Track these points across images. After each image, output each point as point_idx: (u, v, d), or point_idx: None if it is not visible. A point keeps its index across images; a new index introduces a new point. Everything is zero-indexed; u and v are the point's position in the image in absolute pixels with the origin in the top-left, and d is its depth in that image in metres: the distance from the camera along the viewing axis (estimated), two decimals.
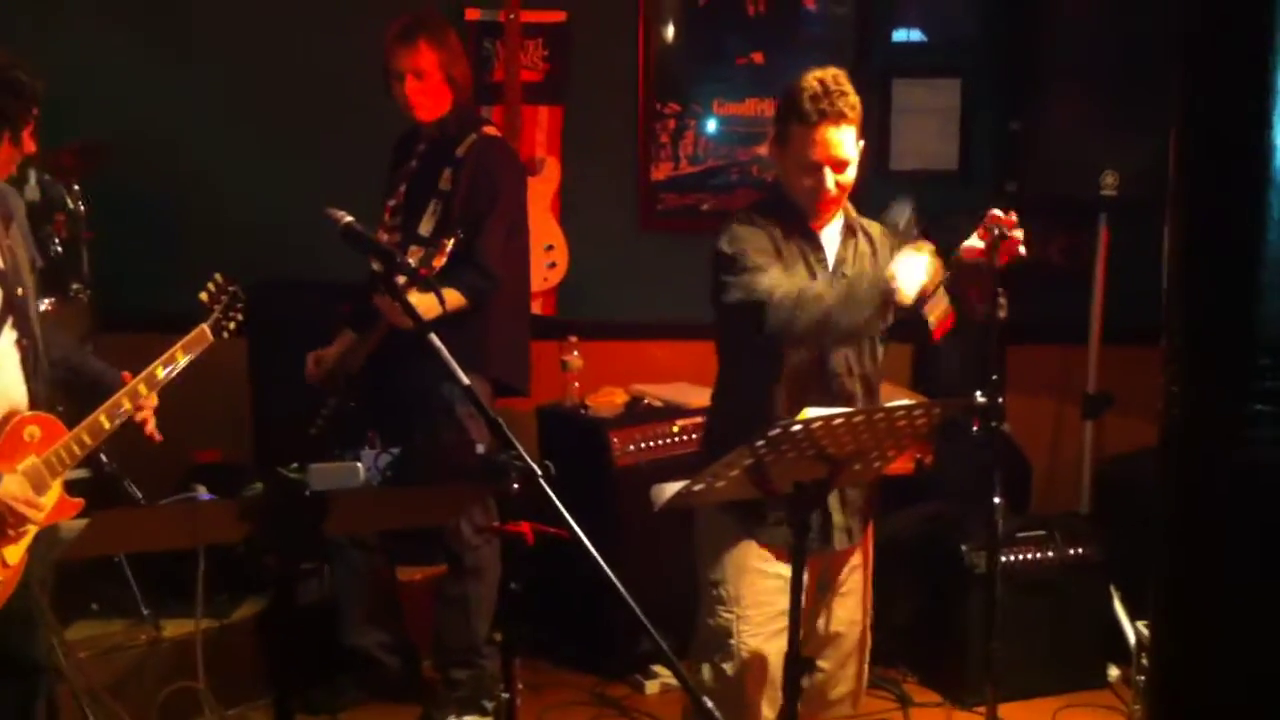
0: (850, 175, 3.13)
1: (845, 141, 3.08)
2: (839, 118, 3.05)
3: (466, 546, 4.02)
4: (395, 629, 4.30)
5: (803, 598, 2.84)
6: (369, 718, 4.15)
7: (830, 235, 3.21)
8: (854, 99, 3.08)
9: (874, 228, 3.29)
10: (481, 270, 3.94)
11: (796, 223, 3.17)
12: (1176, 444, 2.96)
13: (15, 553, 2.76)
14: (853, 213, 3.26)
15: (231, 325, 3.21)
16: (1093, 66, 5.07)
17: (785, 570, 2.91)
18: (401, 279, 2.96)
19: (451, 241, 3.74)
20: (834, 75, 3.08)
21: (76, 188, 4.54)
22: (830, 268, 3.17)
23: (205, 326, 3.15)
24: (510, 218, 4.10)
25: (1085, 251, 5.06)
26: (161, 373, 3.06)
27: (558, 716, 4.13)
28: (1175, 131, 2.94)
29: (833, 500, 3.13)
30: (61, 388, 3.06)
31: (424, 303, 3.76)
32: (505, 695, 2.45)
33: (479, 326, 3.90)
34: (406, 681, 4.30)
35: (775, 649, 3.10)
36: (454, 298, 3.82)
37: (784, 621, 2.93)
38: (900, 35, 5.39)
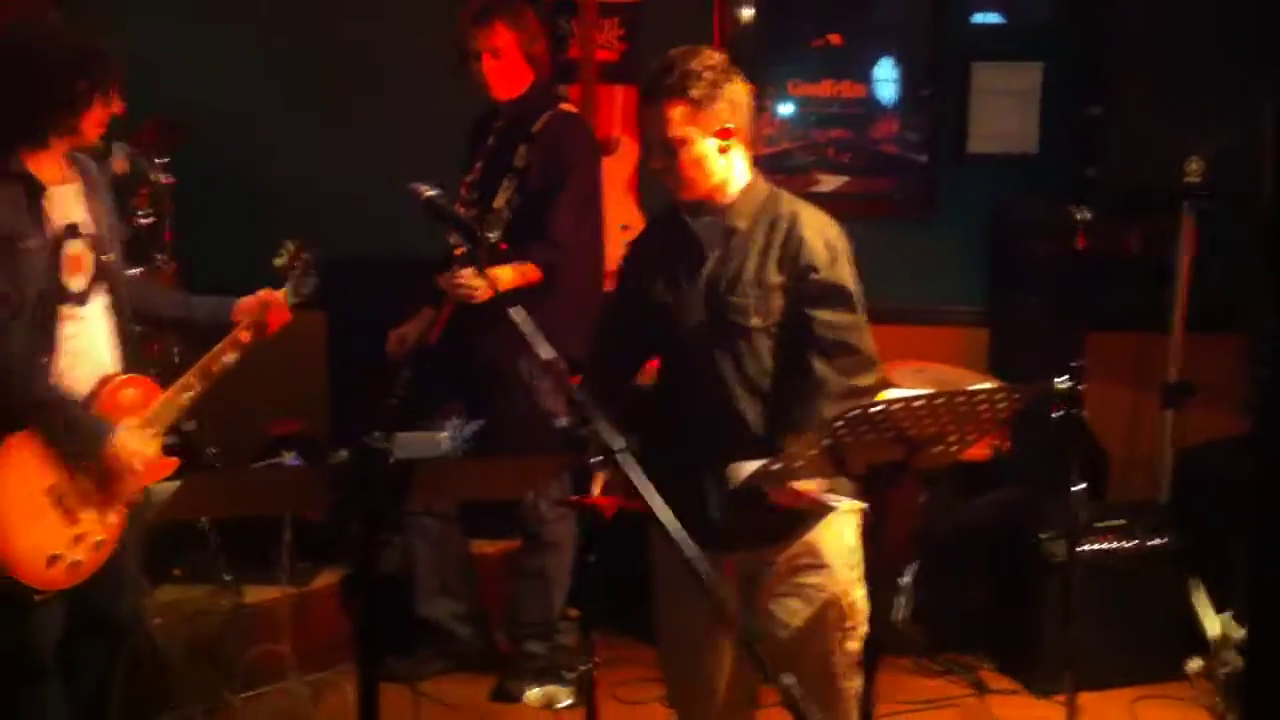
0: (691, 157, 2.91)
1: (664, 121, 2.90)
2: (653, 94, 2.92)
3: (542, 520, 4.06)
4: (469, 600, 4.35)
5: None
6: (448, 687, 4.18)
7: (708, 227, 3.00)
8: (691, 78, 2.88)
9: (794, 219, 2.96)
10: (553, 243, 3.95)
11: (675, 213, 3.05)
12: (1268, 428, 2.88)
13: (117, 513, 2.84)
14: (745, 205, 2.98)
15: (305, 291, 3.26)
16: (1176, 51, 4.99)
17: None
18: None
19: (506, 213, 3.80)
20: (682, 52, 2.93)
21: (160, 162, 4.60)
22: (706, 261, 2.98)
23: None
24: (584, 193, 4.11)
25: (1164, 239, 4.98)
26: (246, 336, 3.18)
27: (632, 691, 4.14)
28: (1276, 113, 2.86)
29: (712, 499, 2.91)
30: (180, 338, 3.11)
31: (498, 273, 3.82)
32: (586, 666, 2.46)
33: (552, 302, 3.90)
34: (481, 651, 4.34)
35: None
36: (528, 271, 3.84)
37: None
38: (979, 18, 5.33)
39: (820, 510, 2.93)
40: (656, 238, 3.15)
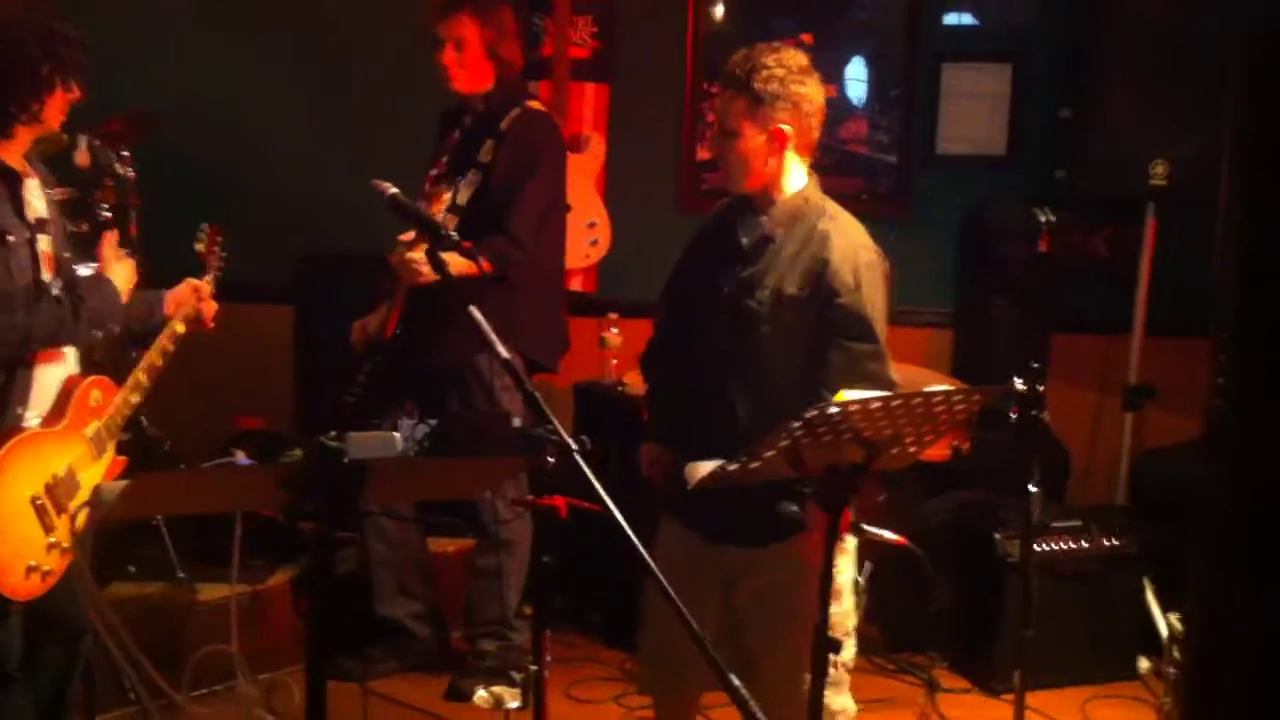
0: (740, 150, 2.94)
1: (725, 110, 2.96)
2: (723, 80, 2.98)
3: (499, 519, 4.05)
4: (427, 599, 4.34)
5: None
6: (399, 687, 4.17)
7: (750, 229, 3.02)
8: (758, 74, 2.90)
9: (825, 238, 2.96)
10: (511, 238, 3.94)
11: (730, 207, 3.10)
12: (1221, 435, 2.91)
13: (80, 520, 2.81)
14: (785, 212, 3.00)
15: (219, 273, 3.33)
16: (1146, 56, 5.02)
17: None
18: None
19: (449, 194, 3.78)
20: (765, 46, 2.97)
21: (125, 154, 4.57)
22: (739, 263, 3.00)
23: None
24: (547, 192, 4.11)
25: (1130, 242, 5.01)
26: (181, 328, 3.19)
27: (586, 691, 4.15)
28: (1230, 119, 2.89)
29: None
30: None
31: (449, 257, 3.81)
32: (534, 667, 2.47)
33: (510, 301, 3.88)
34: (436, 652, 4.34)
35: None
36: (481, 262, 3.83)
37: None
38: (951, 19, 5.35)
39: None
40: (712, 227, 3.16)
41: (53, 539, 2.81)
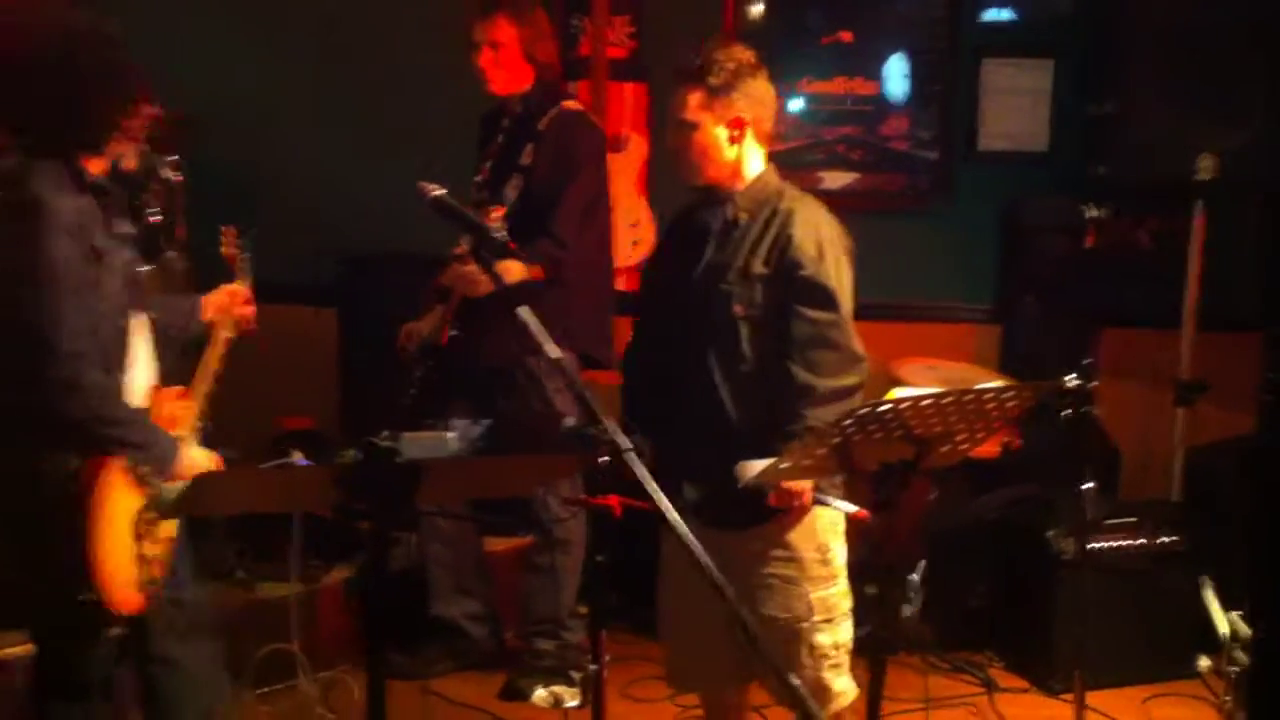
0: (700, 142, 3.01)
1: (682, 103, 3.02)
2: (677, 76, 3.04)
3: (553, 518, 4.07)
4: (483, 599, 4.35)
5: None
6: (456, 685, 4.18)
7: (714, 216, 3.09)
8: (712, 67, 2.98)
9: (788, 216, 3.03)
10: (555, 239, 3.95)
11: (692, 203, 3.16)
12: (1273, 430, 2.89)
13: (171, 525, 2.83)
14: (749, 198, 3.07)
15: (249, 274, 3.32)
16: (1188, 48, 4.97)
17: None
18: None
19: (500, 211, 3.80)
20: (715, 42, 3.07)
21: (173, 158, 4.60)
22: (706, 250, 3.07)
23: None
24: (589, 191, 4.12)
25: (1176, 236, 4.96)
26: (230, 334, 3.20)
27: (642, 690, 4.14)
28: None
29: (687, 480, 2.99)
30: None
31: (507, 269, 3.82)
32: (593, 667, 2.46)
33: (560, 300, 3.91)
34: (492, 651, 4.35)
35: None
36: (531, 268, 3.84)
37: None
38: (991, 14, 5.32)
39: (803, 509, 2.97)
40: (677, 226, 3.25)
41: (152, 553, 2.80)
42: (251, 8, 5.43)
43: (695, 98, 3.01)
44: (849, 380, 2.99)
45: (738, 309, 3.00)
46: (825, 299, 2.97)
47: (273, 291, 5.33)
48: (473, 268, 3.88)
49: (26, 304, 2.61)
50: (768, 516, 3.02)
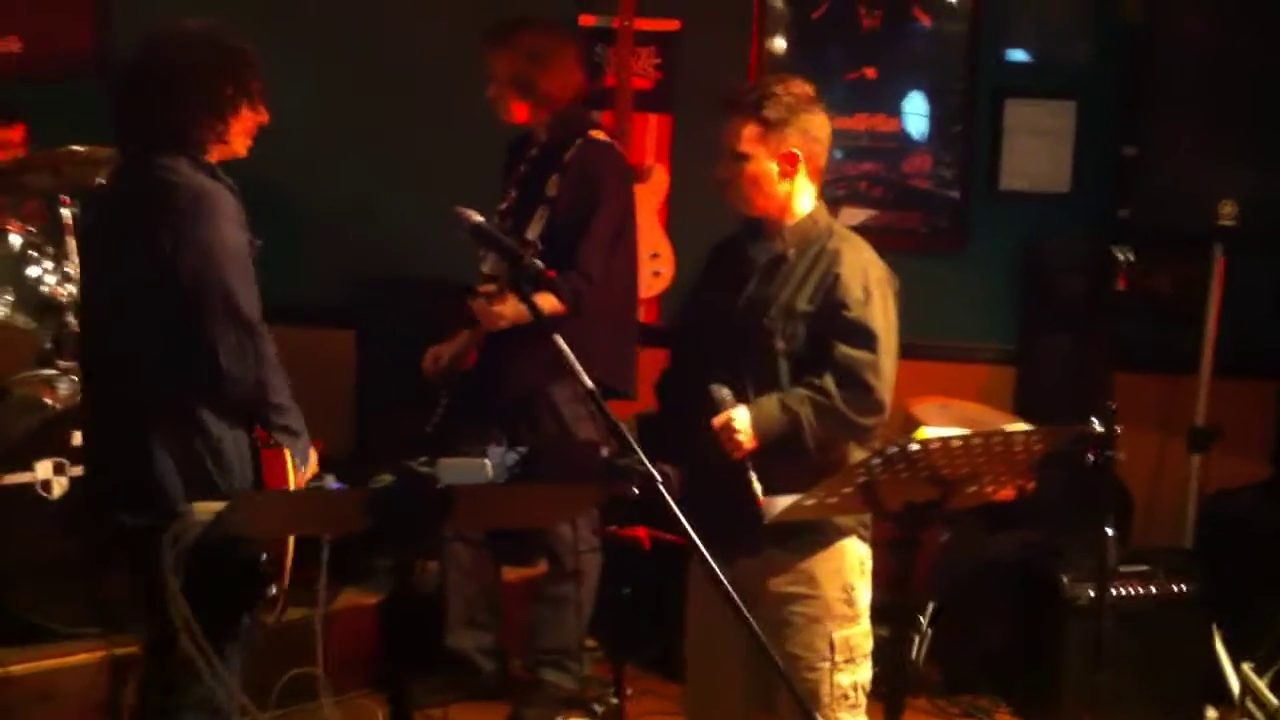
0: (751, 174, 3.00)
1: (735, 135, 3.01)
2: (732, 107, 3.03)
3: (568, 549, 4.05)
4: (494, 632, 4.33)
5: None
6: (465, 714, 4.16)
7: (761, 251, 3.08)
8: (768, 100, 2.98)
9: (836, 256, 3.02)
10: (582, 274, 3.95)
11: (740, 233, 3.15)
12: None
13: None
14: (797, 234, 3.06)
15: None
16: (1212, 94, 5.01)
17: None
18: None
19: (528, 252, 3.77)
20: (773, 76, 3.18)
21: None
22: (749, 283, 3.06)
23: None
24: (614, 223, 4.11)
25: (1195, 281, 4.98)
26: None
27: None
28: None
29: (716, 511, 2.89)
30: None
31: (521, 306, 3.82)
32: (615, 700, 2.46)
33: (582, 329, 3.89)
34: (497, 684, 4.32)
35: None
36: (551, 302, 3.83)
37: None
38: (1014, 54, 5.34)
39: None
40: (722, 256, 3.22)
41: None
42: (278, 29, 5.42)
43: (749, 130, 2.99)
44: (864, 421, 2.96)
45: (779, 344, 2.98)
46: (866, 339, 2.95)
47: (290, 312, 5.37)
48: (495, 305, 3.90)
49: (213, 277, 2.71)
50: (797, 553, 3.00)
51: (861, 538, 3.05)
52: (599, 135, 4.20)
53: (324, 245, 5.32)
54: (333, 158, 5.34)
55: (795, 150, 2.99)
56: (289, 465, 2.77)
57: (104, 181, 3.17)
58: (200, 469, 2.68)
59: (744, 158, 3.00)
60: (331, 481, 2.54)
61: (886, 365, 2.96)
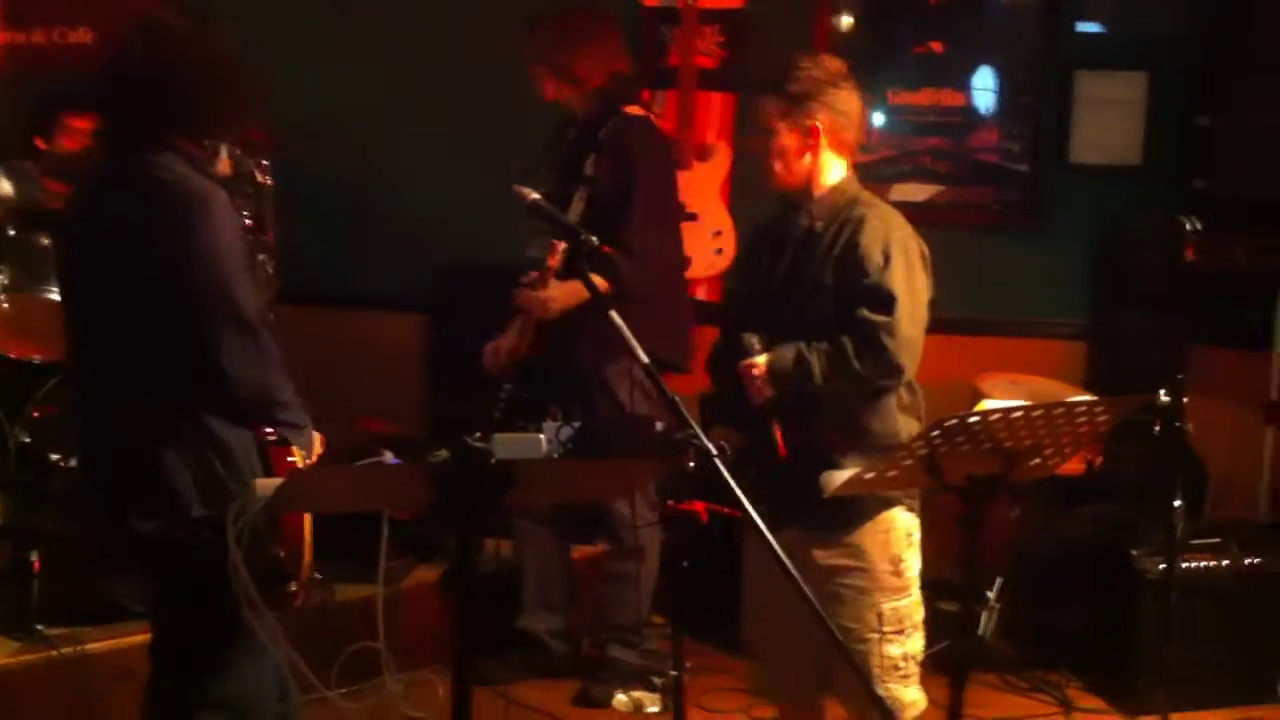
0: (775, 149, 3.05)
1: (761, 110, 3.08)
2: (759, 83, 3.10)
3: (626, 525, 4.07)
4: (566, 614, 4.36)
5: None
6: (533, 691, 4.20)
7: (793, 226, 3.10)
8: (792, 76, 3.02)
9: (859, 224, 3.02)
10: (625, 252, 3.95)
11: (785, 207, 3.16)
12: None
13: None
14: (824, 207, 3.07)
15: None
16: None
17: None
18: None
19: (563, 246, 3.79)
20: (801, 53, 3.12)
21: (265, 163, 4.67)
22: (783, 259, 3.09)
23: None
24: (653, 196, 4.11)
25: (1271, 254, 4.89)
26: None
27: (715, 700, 4.13)
28: None
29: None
30: None
31: (572, 286, 3.84)
32: (675, 673, 2.47)
33: (631, 307, 3.87)
34: (569, 664, 4.36)
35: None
36: (600, 281, 3.83)
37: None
38: (1084, 26, 5.26)
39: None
40: (761, 234, 3.26)
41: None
42: (350, 17, 5.50)
43: (773, 105, 3.05)
44: (875, 380, 2.96)
45: (810, 318, 3.01)
46: (884, 303, 2.95)
47: (365, 298, 5.46)
48: (543, 292, 3.94)
49: (211, 281, 2.65)
50: (846, 525, 3.01)
51: (908, 508, 3.07)
52: (634, 110, 4.18)
53: (400, 233, 5.38)
54: (406, 145, 5.39)
55: (816, 123, 3.03)
56: (297, 459, 2.76)
57: (86, 176, 3.04)
58: (210, 473, 2.66)
59: (768, 132, 3.06)
60: (389, 457, 2.56)
61: (906, 329, 2.95)
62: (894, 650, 3.02)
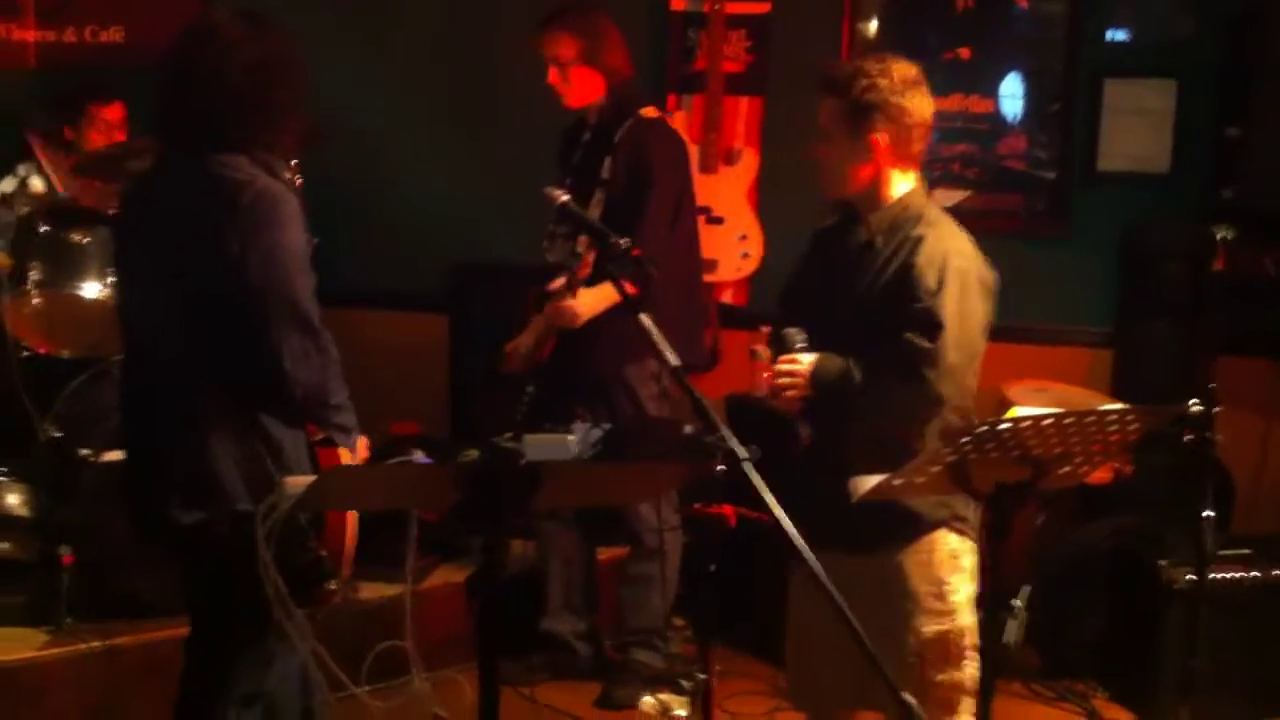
0: (831, 154, 2.94)
1: (821, 112, 2.95)
2: (821, 84, 2.95)
3: (649, 528, 4.07)
4: (590, 617, 4.38)
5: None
6: (556, 693, 4.21)
7: (854, 236, 3.00)
8: (856, 80, 2.87)
9: (917, 243, 2.90)
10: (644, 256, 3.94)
11: (845, 216, 3.06)
12: None
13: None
14: (883, 220, 2.95)
15: None
16: None
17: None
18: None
19: (594, 255, 3.77)
20: (874, 56, 2.99)
21: (293, 163, 4.67)
22: (841, 271, 2.99)
23: None
24: (670, 198, 4.10)
25: None
26: None
27: (740, 705, 4.14)
28: None
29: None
30: None
31: (599, 294, 3.84)
32: (702, 676, 2.47)
33: (648, 306, 3.88)
34: (593, 667, 4.37)
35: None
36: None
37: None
38: (1113, 34, 5.24)
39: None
40: (820, 242, 3.16)
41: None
42: (368, 17, 5.51)
43: (833, 110, 2.92)
44: (913, 410, 2.87)
45: (859, 334, 2.90)
46: (931, 330, 2.83)
47: (384, 298, 5.47)
48: (568, 302, 3.93)
49: (278, 282, 2.67)
50: (888, 547, 2.93)
51: (956, 530, 2.95)
52: (649, 113, 4.17)
53: (419, 233, 5.39)
54: (425, 144, 5.41)
55: (881, 132, 2.89)
56: (344, 461, 2.78)
57: (145, 173, 3.05)
58: (261, 469, 2.68)
59: (827, 138, 2.93)
60: (419, 457, 2.57)
61: (951, 358, 2.83)
62: (938, 677, 2.91)
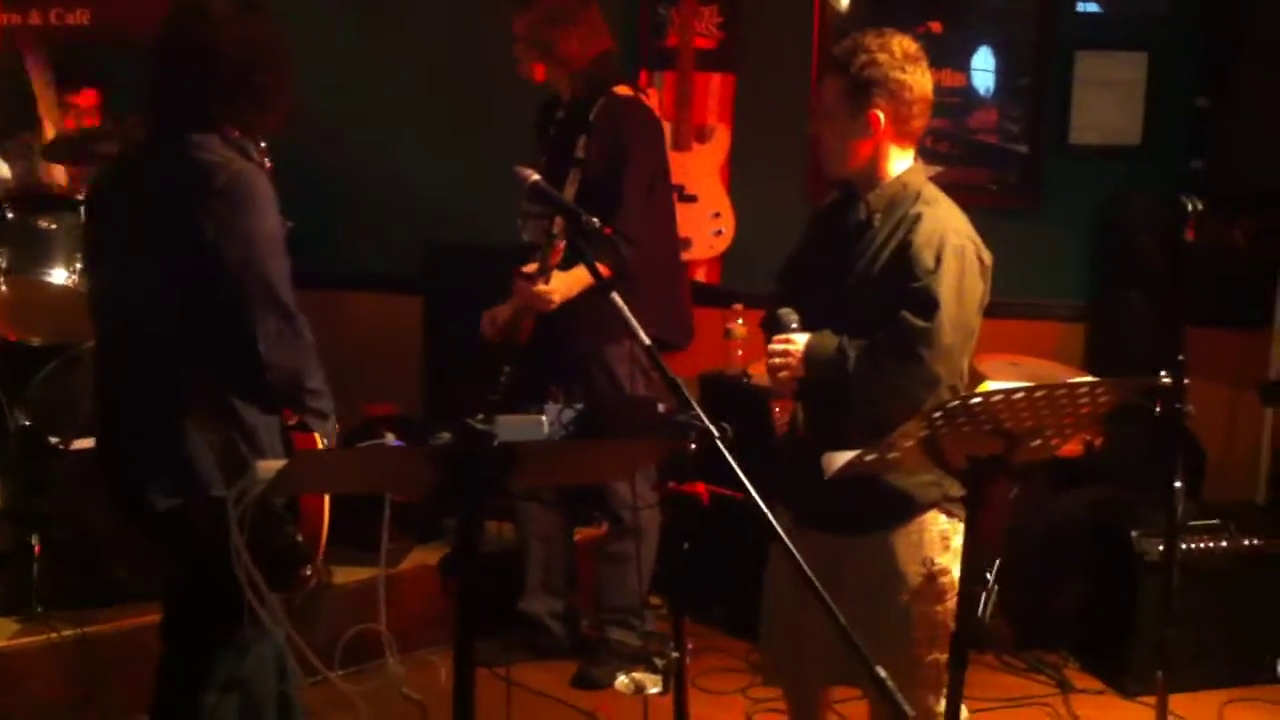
0: (832, 133, 2.92)
1: (822, 91, 2.94)
2: (824, 62, 2.97)
3: (626, 506, 4.08)
4: (568, 597, 4.38)
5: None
6: (532, 673, 4.21)
7: (853, 215, 2.97)
8: (857, 56, 2.84)
9: (915, 222, 2.87)
10: (621, 236, 3.93)
11: (845, 194, 3.03)
12: None
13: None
14: (881, 199, 2.92)
15: None
16: None
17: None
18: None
19: (563, 244, 3.77)
20: (874, 31, 2.91)
21: (262, 145, 4.64)
22: (839, 249, 2.96)
23: None
24: (647, 176, 4.10)
25: (1269, 235, 4.89)
26: None
27: (713, 681, 4.16)
28: None
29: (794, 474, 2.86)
30: None
31: (573, 276, 3.84)
32: (676, 654, 2.47)
33: (627, 285, 3.89)
34: (569, 646, 4.38)
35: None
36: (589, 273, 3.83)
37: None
38: (1084, 6, 5.25)
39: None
40: (819, 221, 3.14)
41: None
42: (348, 6, 5.48)
43: (836, 88, 2.89)
44: (909, 390, 2.84)
45: (856, 312, 2.89)
46: (927, 309, 2.82)
47: (358, 279, 5.45)
48: (540, 287, 3.91)
49: (253, 265, 2.65)
50: (880, 525, 2.93)
51: (947, 512, 2.94)
52: (623, 91, 4.15)
53: (393, 213, 5.37)
54: (399, 124, 5.38)
55: (878, 111, 2.86)
56: (319, 446, 2.76)
57: (118, 156, 3.04)
58: (234, 453, 2.67)
59: (829, 117, 2.91)
60: (391, 440, 2.56)
61: (947, 337, 2.82)
62: (926, 657, 2.90)
